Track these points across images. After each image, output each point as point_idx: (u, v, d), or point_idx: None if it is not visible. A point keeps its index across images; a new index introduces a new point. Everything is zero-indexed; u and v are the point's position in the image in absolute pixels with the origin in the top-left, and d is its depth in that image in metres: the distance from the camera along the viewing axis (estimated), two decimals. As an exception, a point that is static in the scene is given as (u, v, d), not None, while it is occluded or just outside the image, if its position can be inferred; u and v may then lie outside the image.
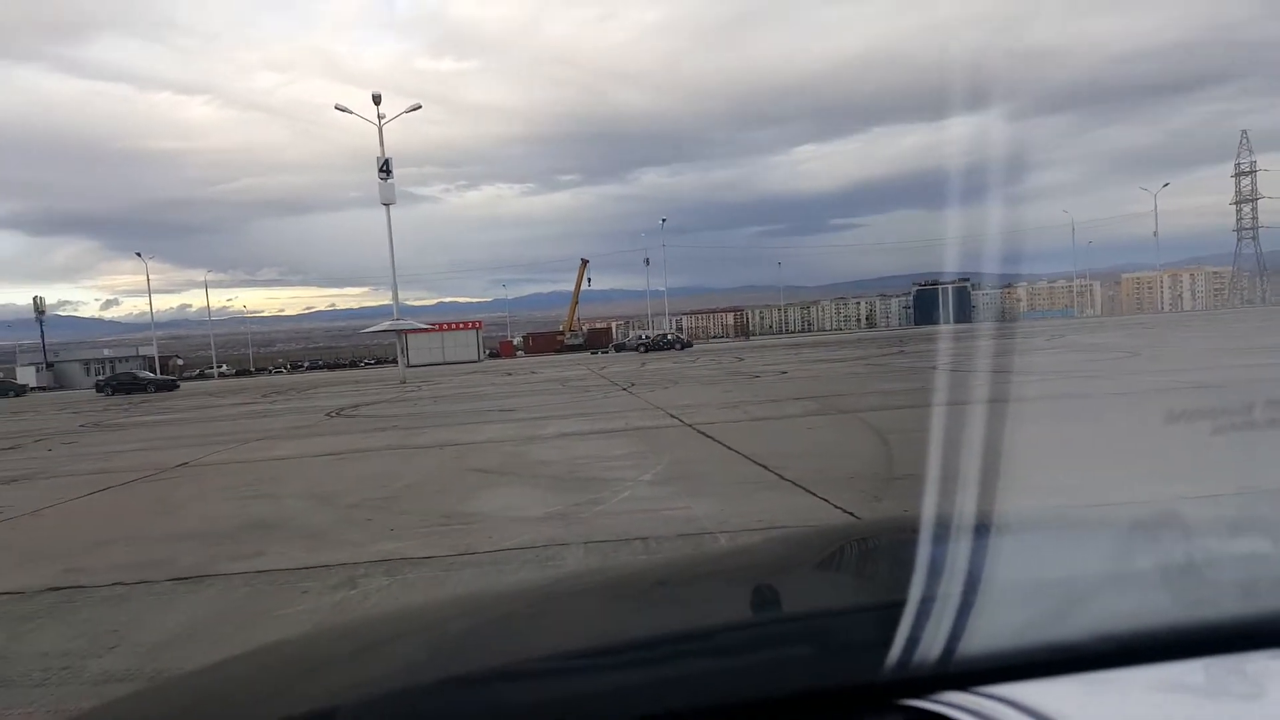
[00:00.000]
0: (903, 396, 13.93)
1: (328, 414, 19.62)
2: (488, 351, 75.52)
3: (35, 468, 12.62)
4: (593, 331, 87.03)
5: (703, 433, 10.83)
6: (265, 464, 11.09)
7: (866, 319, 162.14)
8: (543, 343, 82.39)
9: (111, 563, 5.92)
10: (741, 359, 34.67)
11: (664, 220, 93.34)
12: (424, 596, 4.60)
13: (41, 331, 79.67)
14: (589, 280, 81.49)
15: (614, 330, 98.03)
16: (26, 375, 71.49)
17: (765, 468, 7.92)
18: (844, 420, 11.28)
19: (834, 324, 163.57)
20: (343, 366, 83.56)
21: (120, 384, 51.57)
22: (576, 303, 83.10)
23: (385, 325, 38.65)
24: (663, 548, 5.37)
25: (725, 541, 5.38)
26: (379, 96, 32.08)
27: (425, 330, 59.73)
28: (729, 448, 9.34)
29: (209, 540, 6.47)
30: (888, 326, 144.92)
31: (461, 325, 73.41)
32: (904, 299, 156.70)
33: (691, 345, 68.66)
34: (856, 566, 1.38)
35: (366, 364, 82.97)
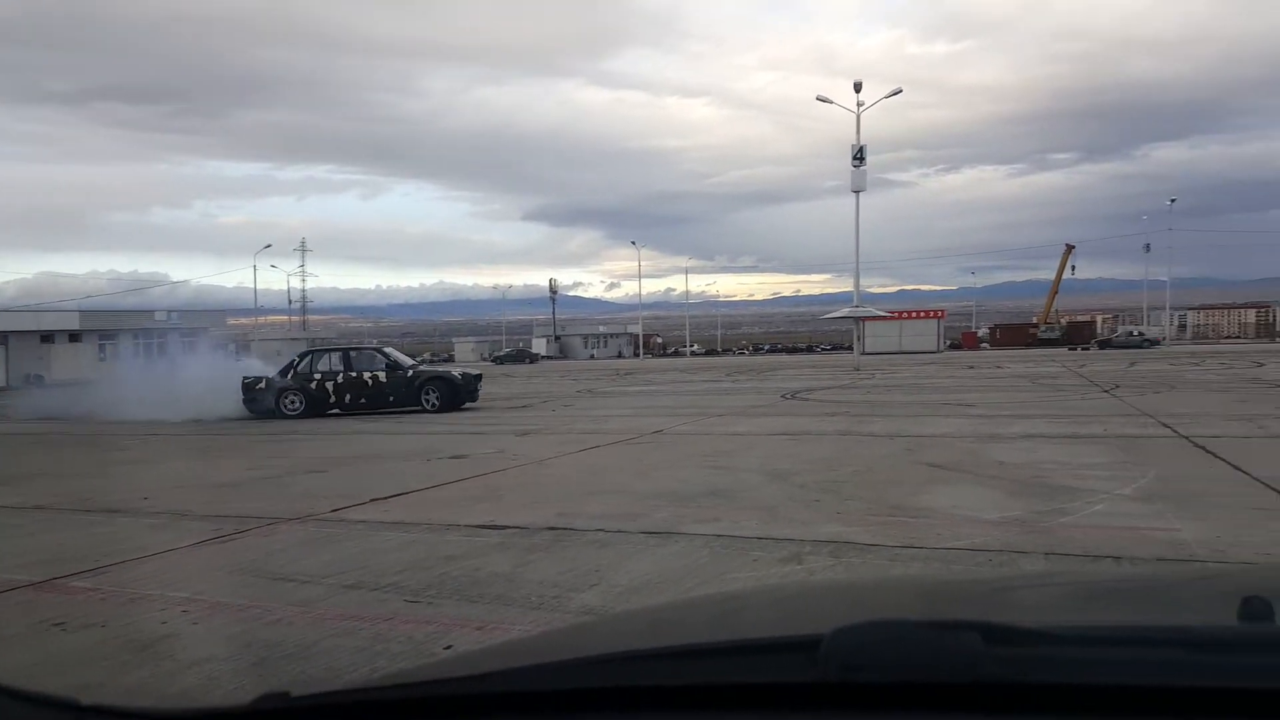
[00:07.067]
0: None
1: (783, 395, 20.32)
2: (948, 342, 71.01)
3: (542, 424, 14.90)
4: (1072, 325, 77.89)
5: (1202, 447, 9.35)
6: (726, 438, 11.83)
7: None
8: (1011, 335, 75.22)
9: (596, 511, 6.74)
10: (1261, 364, 28.80)
11: (1172, 201, 76.80)
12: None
13: (553, 309, 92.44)
14: (1073, 268, 73.15)
15: (1098, 324, 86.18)
16: (539, 345, 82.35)
17: (1284, 494, 6.41)
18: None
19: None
20: (800, 350, 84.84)
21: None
22: (1055, 292, 75.10)
23: (844, 312, 39.08)
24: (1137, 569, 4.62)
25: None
26: (859, 84, 32.28)
27: (883, 318, 58.06)
28: (1236, 467, 7.92)
29: (676, 501, 7.09)
30: None
31: (921, 314, 71.21)
32: None
33: (1158, 343, 61.75)
34: None
35: (822, 349, 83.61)
